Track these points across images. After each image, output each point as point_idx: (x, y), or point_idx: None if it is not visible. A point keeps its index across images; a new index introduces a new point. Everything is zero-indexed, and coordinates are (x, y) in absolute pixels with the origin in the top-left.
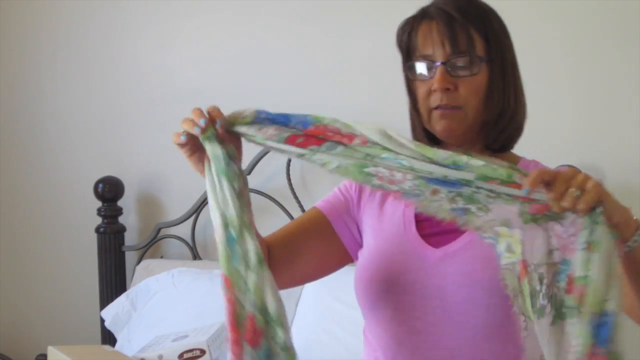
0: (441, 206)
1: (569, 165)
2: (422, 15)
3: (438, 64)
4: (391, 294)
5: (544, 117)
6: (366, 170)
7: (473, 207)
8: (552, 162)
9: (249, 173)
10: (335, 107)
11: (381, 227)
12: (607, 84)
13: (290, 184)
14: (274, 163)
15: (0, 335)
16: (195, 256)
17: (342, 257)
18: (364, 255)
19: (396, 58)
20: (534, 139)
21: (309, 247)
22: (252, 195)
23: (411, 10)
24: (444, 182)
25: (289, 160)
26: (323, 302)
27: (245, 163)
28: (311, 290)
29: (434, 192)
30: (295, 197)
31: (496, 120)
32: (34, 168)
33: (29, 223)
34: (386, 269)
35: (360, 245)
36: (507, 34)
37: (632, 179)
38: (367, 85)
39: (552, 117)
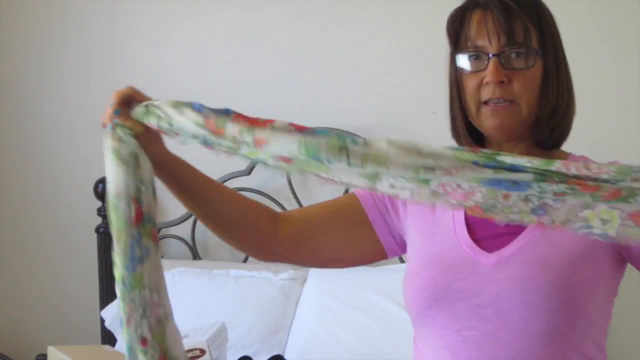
0: (520, 210)
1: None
2: (475, 4)
3: (491, 55)
4: (444, 301)
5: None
6: (433, 188)
7: (549, 200)
8: None
9: (249, 173)
10: (335, 107)
11: (430, 231)
12: (607, 83)
13: (290, 184)
14: None
15: (1, 335)
16: (195, 256)
17: (375, 249)
18: (413, 260)
19: (396, 59)
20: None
21: (334, 230)
22: (252, 196)
23: (411, 11)
24: (508, 185)
25: None
26: (323, 302)
27: (245, 163)
28: (311, 291)
29: (505, 197)
30: (295, 197)
31: (550, 116)
32: (34, 168)
33: (29, 223)
34: (438, 275)
35: (398, 243)
36: (557, 26)
37: None
38: (367, 86)
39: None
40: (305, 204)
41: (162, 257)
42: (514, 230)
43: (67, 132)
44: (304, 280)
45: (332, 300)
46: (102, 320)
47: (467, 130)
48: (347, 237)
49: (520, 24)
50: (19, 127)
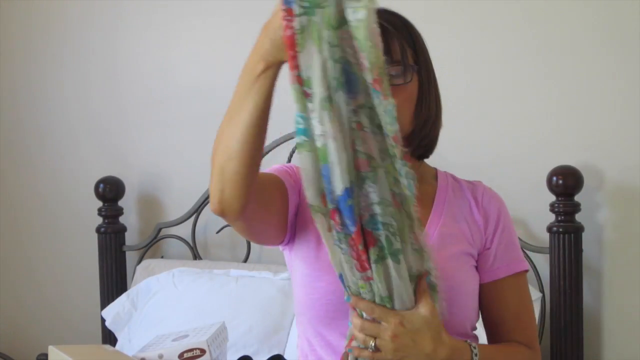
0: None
1: (568, 166)
2: None
3: None
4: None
5: (546, 117)
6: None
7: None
8: (553, 161)
9: None
10: None
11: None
12: (607, 84)
13: None
14: (273, 162)
15: (1, 334)
16: (196, 256)
17: (280, 229)
18: (313, 264)
19: None
20: (537, 139)
21: (273, 204)
22: None
23: (416, 12)
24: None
25: (290, 160)
26: None
27: None
28: None
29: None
30: None
31: (420, 129)
32: (35, 168)
33: (30, 223)
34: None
35: (290, 233)
36: (426, 46)
37: (632, 179)
38: None
39: (554, 117)
40: None
41: (162, 257)
42: None
43: (67, 132)
44: None
45: None
46: (103, 320)
47: None
48: (275, 214)
49: (397, 43)
50: (20, 127)
